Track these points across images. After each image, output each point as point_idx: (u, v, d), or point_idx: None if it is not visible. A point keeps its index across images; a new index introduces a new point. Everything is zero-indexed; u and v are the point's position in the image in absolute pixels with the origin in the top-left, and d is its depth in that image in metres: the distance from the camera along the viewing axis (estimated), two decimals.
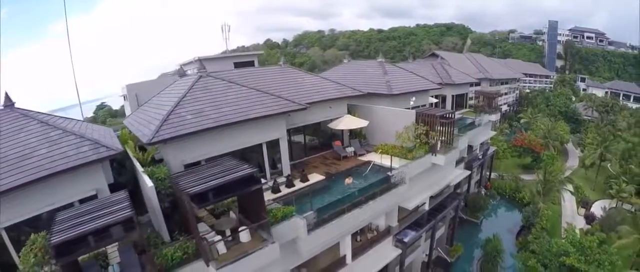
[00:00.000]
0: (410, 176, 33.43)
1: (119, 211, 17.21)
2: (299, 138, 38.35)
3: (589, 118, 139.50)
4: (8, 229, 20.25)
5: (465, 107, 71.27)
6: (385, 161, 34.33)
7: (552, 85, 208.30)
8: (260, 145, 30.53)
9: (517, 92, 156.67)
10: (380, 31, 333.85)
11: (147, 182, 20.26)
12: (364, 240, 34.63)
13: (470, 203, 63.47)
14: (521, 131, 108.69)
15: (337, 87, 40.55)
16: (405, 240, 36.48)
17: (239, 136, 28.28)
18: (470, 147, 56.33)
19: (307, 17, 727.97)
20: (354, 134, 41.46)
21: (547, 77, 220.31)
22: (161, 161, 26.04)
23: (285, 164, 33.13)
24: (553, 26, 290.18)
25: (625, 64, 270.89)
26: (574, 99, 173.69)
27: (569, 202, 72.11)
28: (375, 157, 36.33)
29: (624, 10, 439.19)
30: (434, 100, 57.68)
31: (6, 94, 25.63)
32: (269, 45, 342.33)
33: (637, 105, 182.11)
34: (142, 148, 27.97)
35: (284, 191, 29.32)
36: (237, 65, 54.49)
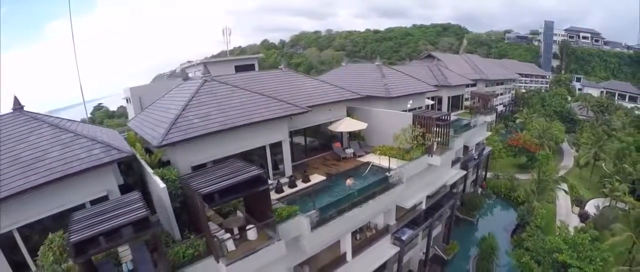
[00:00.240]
0: (408, 176, 34.46)
1: (134, 210, 18.01)
2: (299, 140, 39.20)
3: (584, 118, 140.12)
4: (20, 229, 20.82)
5: (461, 108, 72.35)
6: (383, 161, 35.42)
7: (547, 86, 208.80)
8: (263, 147, 31.48)
9: (513, 92, 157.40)
10: (376, 32, 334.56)
11: (160, 184, 21.08)
12: (364, 238, 35.60)
13: (466, 202, 64.36)
14: (517, 131, 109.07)
15: (336, 90, 41.46)
16: (403, 238, 37.43)
17: (243, 138, 29.21)
18: (466, 147, 57.46)
19: (303, 17, 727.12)
20: (353, 135, 42.39)
21: (542, 77, 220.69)
22: (168, 162, 26.86)
23: (288, 165, 34.06)
24: (549, 26, 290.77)
25: (620, 63, 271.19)
26: (569, 98, 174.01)
27: (563, 201, 73.17)
28: (373, 158, 37.39)
29: (620, 10, 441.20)
30: (431, 102, 58.58)
31: (15, 97, 26.09)
32: (266, 46, 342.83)
33: (633, 105, 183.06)
34: (147, 150, 28.86)
35: (287, 191, 30.47)
36: (238, 68, 55.31)
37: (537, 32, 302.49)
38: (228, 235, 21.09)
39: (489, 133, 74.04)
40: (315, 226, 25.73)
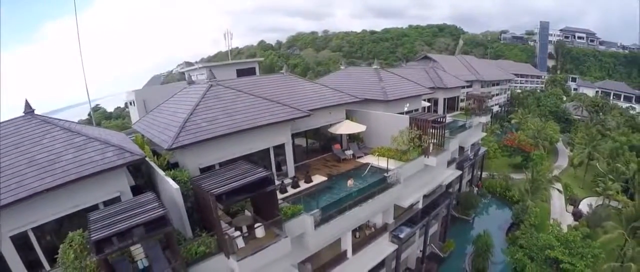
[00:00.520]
0: (405, 177, 35.78)
1: (150, 210, 19.06)
2: (301, 142, 40.20)
3: (579, 118, 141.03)
4: (34, 229, 21.32)
5: (457, 110, 73.09)
6: (381, 162, 36.59)
7: (543, 86, 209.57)
8: (267, 149, 32.51)
9: (509, 92, 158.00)
10: (373, 32, 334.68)
11: (173, 185, 22.11)
12: (363, 236, 36.93)
13: (462, 201, 65.58)
14: (512, 132, 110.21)
15: (336, 94, 42.42)
16: (401, 236, 38.87)
17: (249, 141, 30.28)
18: (461, 148, 58.61)
19: (300, 18, 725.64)
20: (353, 137, 43.34)
21: (538, 77, 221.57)
22: (176, 164, 27.77)
23: (290, 167, 35.09)
24: (544, 27, 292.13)
25: (616, 63, 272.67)
26: (565, 98, 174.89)
27: (557, 200, 74.69)
28: (372, 160, 38.65)
29: (616, 10, 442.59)
30: (427, 104, 59.52)
31: (26, 101, 26.50)
32: (263, 46, 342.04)
33: (627, 105, 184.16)
34: (155, 152, 29.67)
35: (290, 191, 31.62)
36: (240, 72, 56.40)
37: (533, 32, 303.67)
38: (238, 233, 22.33)
39: (484, 134, 75.24)
40: (318, 224, 27.05)
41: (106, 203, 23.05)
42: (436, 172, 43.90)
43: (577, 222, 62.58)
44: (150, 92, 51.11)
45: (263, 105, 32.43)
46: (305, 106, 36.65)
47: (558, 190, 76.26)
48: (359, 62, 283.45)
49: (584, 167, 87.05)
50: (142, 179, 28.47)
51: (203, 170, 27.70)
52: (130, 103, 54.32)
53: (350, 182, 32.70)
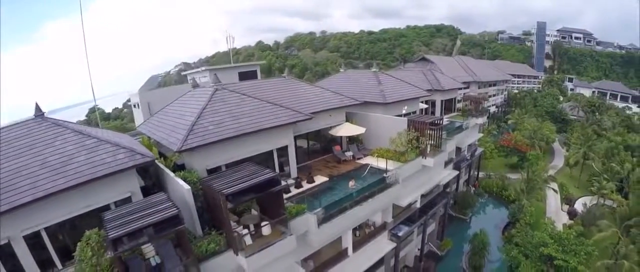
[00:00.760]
0: (403, 177, 36.78)
1: (164, 209, 20.07)
2: (302, 143, 41.01)
3: (575, 118, 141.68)
4: (47, 229, 22.02)
5: (454, 111, 74.16)
6: (380, 163, 37.70)
7: (540, 86, 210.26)
8: (271, 151, 33.58)
9: (506, 93, 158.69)
10: (370, 33, 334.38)
11: (184, 185, 23.15)
12: (363, 235, 37.90)
13: (459, 201, 66.55)
14: (508, 132, 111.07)
15: (336, 97, 43.43)
16: (400, 234, 39.82)
17: (254, 143, 31.32)
18: (458, 148, 59.66)
19: (298, 18, 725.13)
20: (352, 139, 44.29)
21: (535, 77, 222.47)
22: (183, 166, 28.67)
23: (293, 167, 36.15)
24: (541, 27, 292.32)
25: (612, 63, 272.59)
26: (561, 99, 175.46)
27: (553, 199, 75.62)
28: (371, 161, 39.66)
29: (613, 11, 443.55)
30: (424, 106, 60.43)
31: (36, 104, 27.22)
32: (261, 47, 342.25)
33: (624, 105, 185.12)
34: (161, 154, 30.51)
35: (294, 191, 32.79)
36: (242, 75, 57.28)
37: (530, 33, 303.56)
38: (246, 231, 23.47)
39: (481, 135, 76.12)
40: (321, 222, 28.15)
41: (117, 203, 23.88)
42: (433, 172, 44.98)
43: (572, 221, 63.67)
44: (154, 95, 51.88)
45: (267, 109, 33.43)
46: (307, 109, 37.69)
47: (553, 190, 77.33)
48: (357, 63, 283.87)
49: (579, 167, 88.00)
50: (150, 180, 29.14)
51: (210, 171, 28.75)
52: (135, 105, 54.91)
53: (351, 183, 33.73)
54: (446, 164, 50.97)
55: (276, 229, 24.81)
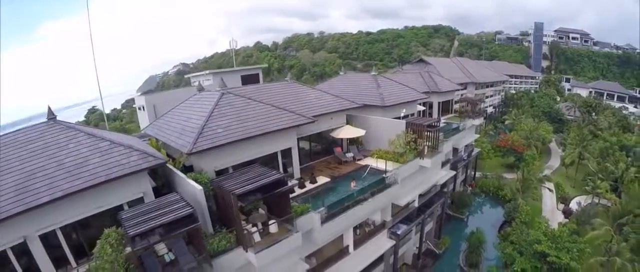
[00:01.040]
0: (402, 177, 38.07)
1: (178, 208, 21.33)
2: (304, 145, 42.10)
3: (572, 118, 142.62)
4: (62, 228, 22.78)
5: (451, 112, 75.12)
6: (380, 164, 38.95)
7: (537, 86, 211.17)
8: (275, 152, 34.77)
9: (503, 93, 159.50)
10: (368, 33, 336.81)
11: (197, 186, 24.31)
12: (363, 233, 39.09)
13: (456, 200, 67.55)
14: (505, 132, 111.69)
15: (337, 100, 44.66)
16: (398, 232, 41.20)
17: (259, 145, 32.50)
18: (455, 149, 60.95)
19: (295, 18, 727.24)
20: (353, 141, 45.41)
21: (532, 78, 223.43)
22: (191, 167, 29.79)
23: (296, 168, 37.35)
24: (539, 27, 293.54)
25: (609, 63, 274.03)
26: (558, 99, 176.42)
27: (549, 198, 76.81)
28: (371, 162, 40.95)
29: (610, 11, 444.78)
30: (422, 108, 61.50)
31: (49, 108, 27.94)
32: (259, 48, 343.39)
33: (621, 104, 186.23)
34: (168, 156, 31.30)
35: (297, 191, 34.02)
36: (244, 78, 58.67)
37: (527, 33, 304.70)
38: (255, 229, 24.89)
39: (477, 135, 77.11)
40: (324, 220, 29.62)
41: (130, 203, 24.86)
42: (431, 172, 46.10)
43: (567, 220, 64.87)
44: (160, 98, 52.76)
45: (271, 113, 34.63)
46: (309, 112, 38.94)
47: (549, 189, 78.65)
48: (355, 63, 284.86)
49: (575, 167, 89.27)
50: (159, 180, 30.18)
51: (218, 172, 29.97)
52: (140, 108, 55.86)
53: (353, 184, 35.02)
54: (443, 164, 52.47)
55: (283, 227, 26.17)
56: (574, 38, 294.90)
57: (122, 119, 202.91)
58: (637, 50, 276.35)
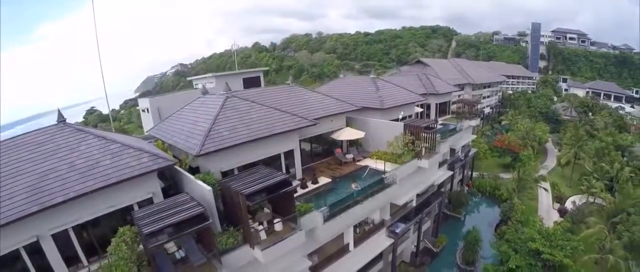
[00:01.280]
0: (400, 178, 39.20)
1: (189, 208, 22.43)
2: (306, 146, 43.28)
3: (568, 118, 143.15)
4: (74, 227, 23.55)
5: (448, 114, 76.16)
6: (379, 165, 40.31)
7: (534, 87, 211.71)
8: (279, 154, 36.02)
9: (500, 94, 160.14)
10: (366, 34, 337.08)
11: (206, 187, 25.38)
12: (363, 231, 40.25)
13: (453, 200, 68.30)
14: (502, 133, 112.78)
15: (337, 103, 45.87)
16: (397, 231, 42.17)
17: (264, 147, 33.75)
18: (452, 150, 61.87)
19: (293, 18, 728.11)
20: (352, 142, 46.66)
21: (529, 78, 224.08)
22: (197, 169, 30.90)
23: (298, 169, 38.58)
24: (536, 28, 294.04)
25: (606, 63, 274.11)
26: (555, 99, 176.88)
27: (545, 198, 77.59)
28: (370, 162, 42.39)
29: (608, 11, 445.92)
30: (420, 109, 62.57)
31: (59, 111, 29.37)
32: (258, 48, 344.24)
33: (617, 104, 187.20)
34: (174, 157, 32.01)
35: (300, 191, 35.22)
36: (246, 81, 59.63)
37: (525, 33, 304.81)
38: (261, 227, 26.08)
39: (474, 136, 77.83)
40: (326, 219, 30.85)
41: (140, 204, 25.88)
42: (428, 173, 47.27)
43: (562, 219, 65.97)
44: (164, 100, 53.56)
45: (275, 116, 35.87)
46: (311, 115, 40.15)
47: (544, 188, 79.72)
48: (353, 64, 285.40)
49: (571, 167, 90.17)
50: (166, 181, 30.95)
51: (224, 173, 31.18)
52: (144, 110, 56.66)
53: (354, 185, 36.19)
54: (440, 164, 53.29)
55: (287, 225, 27.38)
56: (571, 38, 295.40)
57: (121, 119, 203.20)
58: (635, 51, 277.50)
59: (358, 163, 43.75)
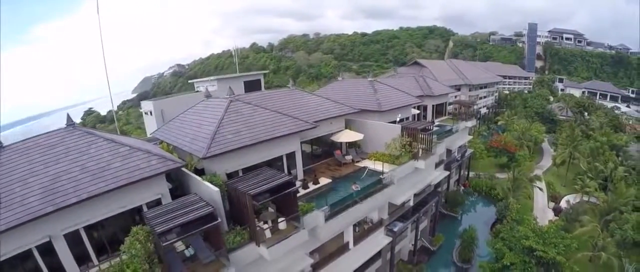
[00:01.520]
0: (398, 178, 40.55)
1: (199, 208, 23.53)
2: (306, 148, 44.28)
3: (564, 118, 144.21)
4: (85, 228, 24.33)
5: (445, 115, 77.28)
6: (377, 166, 41.49)
7: (531, 87, 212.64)
8: (281, 156, 37.13)
9: (496, 94, 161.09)
10: (364, 35, 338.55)
11: (214, 188, 26.50)
12: (362, 230, 41.46)
13: (450, 199, 69.84)
14: (498, 133, 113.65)
15: (336, 106, 47.01)
16: (395, 230, 43.38)
17: (267, 149, 34.92)
18: (449, 150, 62.94)
19: (290, 19, 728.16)
20: (351, 144, 47.69)
21: (526, 78, 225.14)
22: (202, 170, 31.97)
23: (300, 170, 39.74)
24: (532, 28, 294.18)
25: (603, 63, 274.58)
26: (551, 99, 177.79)
27: (541, 197, 79.15)
28: (369, 163, 43.36)
29: (604, 11, 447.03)
30: (416, 111, 63.74)
31: (68, 115, 30.46)
32: (255, 49, 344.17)
33: (613, 104, 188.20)
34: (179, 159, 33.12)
35: (301, 191, 36.30)
36: (247, 84, 60.76)
37: (521, 34, 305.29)
38: (266, 226, 27.39)
39: (470, 137, 79.20)
40: (327, 218, 32.14)
41: (149, 204, 26.87)
42: (425, 173, 48.44)
43: (557, 218, 67.23)
44: (167, 103, 54.20)
45: (277, 119, 36.98)
46: (311, 118, 41.29)
47: (539, 188, 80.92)
48: (351, 65, 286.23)
49: (566, 166, 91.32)
50: (172, 183, 31.60)
51: (229, 175, 32.20)
52: (147, 113, 57.45)
53: (354, 186, 37.33)
54: (437, 165, 54.40)
55: (290, 224, 28.65)
56: (567, 38, 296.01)
57: (119, 120, 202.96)
58: (631, 50, 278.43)
59: (357, 164, 44.86)
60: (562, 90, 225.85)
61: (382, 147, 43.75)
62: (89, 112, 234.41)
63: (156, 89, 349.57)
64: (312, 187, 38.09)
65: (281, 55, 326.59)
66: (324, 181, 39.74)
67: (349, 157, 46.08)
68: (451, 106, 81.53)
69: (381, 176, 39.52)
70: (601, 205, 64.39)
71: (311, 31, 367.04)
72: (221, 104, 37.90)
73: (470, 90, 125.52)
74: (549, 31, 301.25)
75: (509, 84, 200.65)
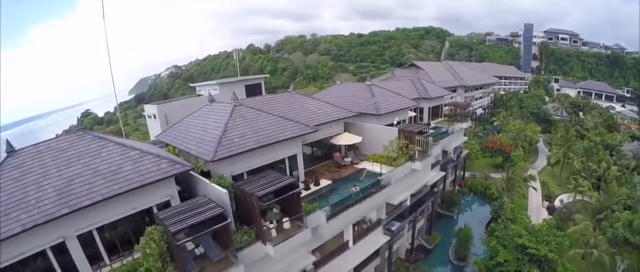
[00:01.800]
0: (395, 179, 42.09)
1: (210, 209, 24.69)
2: (307, 151, 45.46)
3: (559, 118, 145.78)
4: (98, 229, 25.19)
5: (441, 116, 78.49)
6: (375, 167, 42.90)
7: (527, 87, 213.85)
8: (284, 158, 38.51)
9: (492, 95, 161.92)
10: (360, 36, 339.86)
11: (222, 190, 27.76)
12: (361, 229, 42.92)
13: (446, 199, 71.43)
14: (493, 134, 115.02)
15: (336, 109, 48.38)
16: (393, 229, 44.89)
17: (270, 152, 36.28)
18: (445, 151, 64.37)
19: (286, 19, 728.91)
20: (350, 146, 48.88)
21: (521, 79, 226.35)
22: (208, 173, 33.26)
23: (301, 172, 41.06)
24: (528, 28, 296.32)
25: (598, 63, 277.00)
26: (547, 99, 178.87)
27: (535, 196, 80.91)
28: (367, 165, 44.69)
29: (600, 11, 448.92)
30: (413, 113, 65.18)
31: (77, 118, 32.44)
32: (252, 50, 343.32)
33: (608, 104, 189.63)
34: None
35: (303, 192, 37.15)
36: (248, 88, 62.08)
37: (517, 34, 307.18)
38: (272, 225, 28.93)
39: (466, 138, 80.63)
40: (329, 218, 33.74)
41: (158, 206, 27.99)
42: (422, 174, 49.68)
43: (551, 216, 68.77)
44: (171, 107, 54.99)
45: (280, 123, 38.34)
46: (311, 122, 42.69)
47: (533, 187, 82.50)
48: (348, 65, 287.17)
49: (560, 166, 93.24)
50: (180, 185, 32.16)
51: (234, 177, 33.60)
52: (151, 116, 58.52)
53: (354, 188, 38.72)
54: (433, 166, 55.64)
55: (294, 223, 30.09)
56: (563, 38, 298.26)
57: (117, 122, 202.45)
58: (626, 50, 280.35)
59: (356, 166, 46.14)
60: (557, 90, 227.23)
61: (380, 149, 45.12)
62: (86, 114, 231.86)
63: (153, 90, 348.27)
64: (313, 188, 39.39)
65: (278, 57, 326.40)
66: (324, 182, 41.03)
67: (348, 159, 47.30)
68: (447, 108, 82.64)
69: (379, 177, 40.77)
70: (594, 204, 65.92)
71: (307, 32, 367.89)
72: (226, 109, 39.09)
73: (466, 92, 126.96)
74: (545, 31, 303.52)
75: (505, 85, 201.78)
